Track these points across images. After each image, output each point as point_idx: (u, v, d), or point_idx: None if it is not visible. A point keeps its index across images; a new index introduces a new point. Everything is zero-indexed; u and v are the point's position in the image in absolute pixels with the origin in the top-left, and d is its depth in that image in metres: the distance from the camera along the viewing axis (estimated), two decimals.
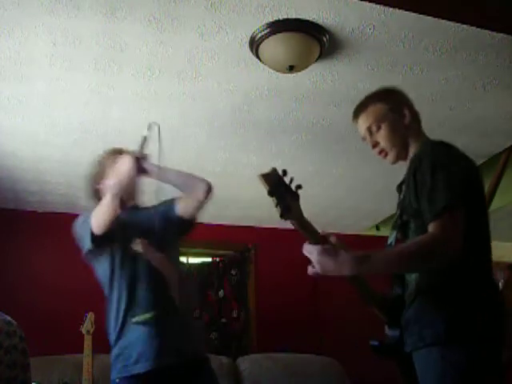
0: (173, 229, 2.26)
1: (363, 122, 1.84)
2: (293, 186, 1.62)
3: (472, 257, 1.52)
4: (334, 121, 3.11)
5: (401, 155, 1.83)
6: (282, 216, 1.55)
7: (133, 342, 2.13)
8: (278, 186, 1.59)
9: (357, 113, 1.88)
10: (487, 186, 3.69)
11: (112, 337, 2.22)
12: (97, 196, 2.30)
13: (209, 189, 2.22)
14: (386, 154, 1.84)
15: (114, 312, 2.20)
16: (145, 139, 2.14)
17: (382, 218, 4.99)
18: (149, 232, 2.21)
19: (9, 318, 1.62)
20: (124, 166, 2.09)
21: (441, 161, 1.57)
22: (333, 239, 1.66)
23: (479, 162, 3.76)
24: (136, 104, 2.85)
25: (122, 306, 2.17)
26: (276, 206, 1.56)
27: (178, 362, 2.11)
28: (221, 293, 4.63)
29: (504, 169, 3.58)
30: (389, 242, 1.73)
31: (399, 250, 1.54)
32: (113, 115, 2.96)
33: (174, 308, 2.20)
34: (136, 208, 2.34)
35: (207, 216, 4.67)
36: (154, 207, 2.34)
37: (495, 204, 3.78)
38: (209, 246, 4.62)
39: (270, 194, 1.56)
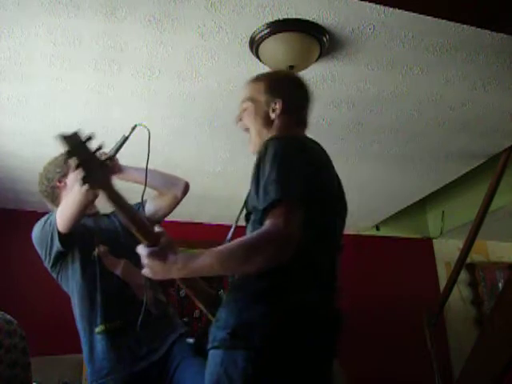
0: None
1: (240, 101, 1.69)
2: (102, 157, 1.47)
3: (300, 257, 1.31)
4: (334, 121, 3.11)
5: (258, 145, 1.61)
6: (85, 180, 1.35)
7: (99, 354, 2.04)
8: (82, 149, 1.35)
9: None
10: (487, 186, 3.70)
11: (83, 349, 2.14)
12: (54, 195, 2.26)
13: (187, 186, 2.18)
14: (241, 127, 1.70)
15: (79, 323, 2.14)
16: (124, 140, 1.87)
17: (382, 218, 4.99)
18: (111, 238, 2.13)
19: (9, 318, 1.62)
20: (74, 193, 1.88)
21: (281, 153, 1.38)
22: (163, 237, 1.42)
23: (479, 162, 3.76)
24: (136, 104, 2.85)
25: (85, 316, 2.08)
26: (77, 169, 1.34)
27: (148, 364, 1.98)
28: (221, 293, 4.62)
29: (504, 169, 3.59)
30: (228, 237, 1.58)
31: (223, 248, 1.34)
32: (113, 115, 2.96)
33: (139, 314, 1.91)
34: (96, 215, 2.24)
35: (207, 216, 4.69)
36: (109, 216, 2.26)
37: (495, 204, 3.78)
38: (209, 246, 4.61)
39: (70, 154, 1.32)
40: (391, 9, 2.18)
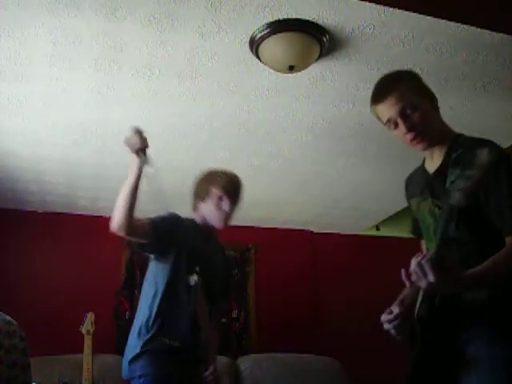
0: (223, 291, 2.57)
1: (394, 104, 1.66)
2: None
3: None
4: (334, 121, 3.11)
5: (433, 143, 1.70)
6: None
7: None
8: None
9: (381, 96, 1.70)
10: None
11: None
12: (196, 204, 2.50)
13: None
14: (421, 140, 1.68)
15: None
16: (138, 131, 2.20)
17: (382, 218, 4.99)
18: (211, 276, 2.36)
19: (9, 318, 1.62)
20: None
21: None
22: None
23: None
24: (136, 104, 2.85)
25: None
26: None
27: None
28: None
29: None
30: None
31: (494, 263, 1.46)
32: (113, 115, 2.96)
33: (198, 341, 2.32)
34: (214, 238, 2.56)
35: None
36: (225, 254, 2.68)
37: None
38: None
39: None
40: (391, 9, 2.18)
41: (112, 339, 4.00)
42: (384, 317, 1.67)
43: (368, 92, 2.91)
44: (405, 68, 2.58)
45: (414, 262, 1.38)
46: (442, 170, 1.67)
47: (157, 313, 2.27)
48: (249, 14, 2.20)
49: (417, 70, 2.61)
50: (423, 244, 1.88)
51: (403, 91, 1.69)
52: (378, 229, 5.25)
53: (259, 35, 2.31)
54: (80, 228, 4.41)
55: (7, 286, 3.94)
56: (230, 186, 2.40)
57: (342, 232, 5.16)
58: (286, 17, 2.24)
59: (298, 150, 3.49)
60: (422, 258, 1.37)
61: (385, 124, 1.74)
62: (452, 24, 2.27)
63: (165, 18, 2.20)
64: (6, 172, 3.65)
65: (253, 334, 4.62)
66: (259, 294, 4.71)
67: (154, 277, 2.35)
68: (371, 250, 5.13)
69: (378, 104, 1.72)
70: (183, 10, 2.16)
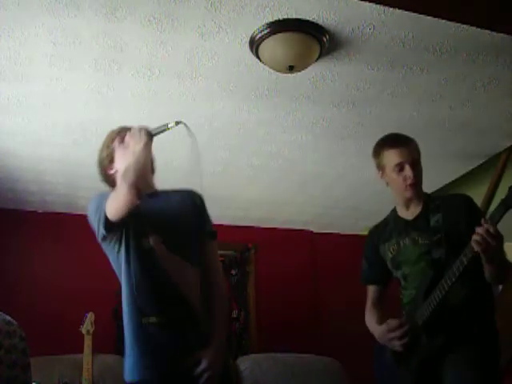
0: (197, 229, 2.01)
1: (412, 152, 2.10)
2: None
3: None
4: (334, 121, 3.11)
5: (418, 194, 2.13)
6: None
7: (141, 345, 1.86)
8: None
9: (404, 142, 2.12)
10: (487, 187, 3.69)
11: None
12: (109, 181, 2.05)
13: None
14: (415, 188, 2.09)
15: (125, 310, 1.93)
16: (165, 128, 1.98)
17: (381, 218, 4.98)
18: (166, 227, 1.94)
19: (9, 318, 1.62)
20: (136, 144, 1.88)
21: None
22: None
23: (479, 162, 3.76)
24: (136, 104, 2.85)
25: (130, 305, 1.90)
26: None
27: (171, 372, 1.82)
28: None
29: (504, 169, 3.58)
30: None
31: None
32: (113, 115, 2.96)
33: (184, 317, 1.87)
34: (154, 195, 2.01)
35: None
36: (177, 196, 2.06)
37: (495, 204, 3.77)
38: None
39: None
40: (391, 9, 2.18)
41: (112, 339, 3.99)
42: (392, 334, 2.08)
43: (368, 92, 2.92)
44: (404, 68, 2.60)
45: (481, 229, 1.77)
46: (422, 215, 2.11)
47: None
48: (249, 14, 2.20)
49: (417, 70, 2.63)
50: (374, 291, 2.34)
51: (415, 147, 2.14)
52: None
53: (259, 35, 2.31)
54: (80, 228, 4.36)
55: (7, 286, 3.93)
56: None
57: (342, 232, 5.16)
58: (285, 17, 2.24)
59: (298, 150, 3.49)
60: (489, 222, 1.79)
61: (392, 167, 2.12)
62: (452, 24, 2.27)
63: (165, 18, 2.20)
64: (6, 172, 3.65)
65: (253, 334, 4.62)
66: (259, 294, 4.70)
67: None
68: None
69: (392, 149, 2.11)
70: (183, 10, 2.16)
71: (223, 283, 2.09)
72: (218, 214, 4.64)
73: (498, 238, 1.76)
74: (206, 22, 2.24)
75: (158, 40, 2.34)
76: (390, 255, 2.20)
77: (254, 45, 2.37)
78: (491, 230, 1.75)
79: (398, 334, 2.02)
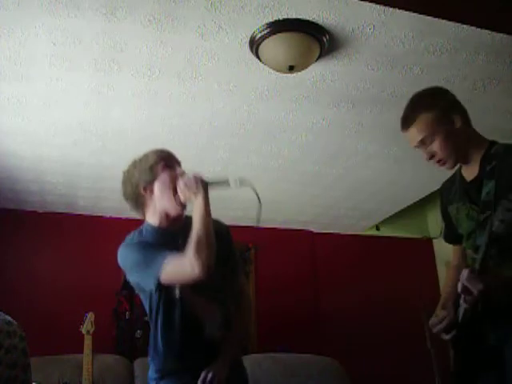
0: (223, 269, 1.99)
1: (416, 135, 1.84)
2: None
3: None
4: (334, 121, 3.11)
5: (460, 160, 1.87)
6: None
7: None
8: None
9: (406, 125, 1.87)
10: None
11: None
12: (136, 200, 1.98)
13: None
14: (445, 163, 1.86)
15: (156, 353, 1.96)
16: (225, 185, 1.97)
17: (381, 217, 4.99)
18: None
19: (9, 318, 1.62)
20: (193, 195, 1.90)
21: None
22: None
23: None
24: (136, 104, 2.85)
25: (160, 350, 1.92)
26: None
27: None
28: None
29: None
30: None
31: None
32: (113, 115, 2.96)
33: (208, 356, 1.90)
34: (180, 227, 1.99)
35: None
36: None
37: None
38: None
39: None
40: (391, 9, 2.18)
41: (112, 339, 4.00)
42: (432, 321, 1.84)
43: (368, 92, 2.92)
44: (404, 68, 2.59)
45: (464, 274, 1.57)
46: (477, 180, 1.82)
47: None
48: (249, 14, 2.20)
49: (417, 70, 2.63)
50: (456, 250, 2.06)
51: (423, 123, 1.82)
52: (377, 229, 5.25)
53: (259, 35, 2.31)
54: (80, 228, 4.41)
55: (7, 286, 3.94)
56: None
57: (342, 232, 5.16)
58: (286, 17, 2.24)
59: (298, 150, 3.49)
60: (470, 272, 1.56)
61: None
62: (452, 24, 2.27)
63: (165, 18, 2.20)
64: (6, 172, 3.65)
65: (253, 334, 4.62)
66: (259, 294, 4.70)
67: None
68: (371, 250, 5.13)
69: (404, 131, 1.90)
70: (183, 10, 2.16)
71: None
72: (218, 214, 4.66)
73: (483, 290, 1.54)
74: (206, 22, 2.24)
75: (158, 40, 2.33)
76: (455, 221, 1.99)
77: (254, 45, 2.37)
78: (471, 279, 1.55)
79: (442, 326, 1.82)
